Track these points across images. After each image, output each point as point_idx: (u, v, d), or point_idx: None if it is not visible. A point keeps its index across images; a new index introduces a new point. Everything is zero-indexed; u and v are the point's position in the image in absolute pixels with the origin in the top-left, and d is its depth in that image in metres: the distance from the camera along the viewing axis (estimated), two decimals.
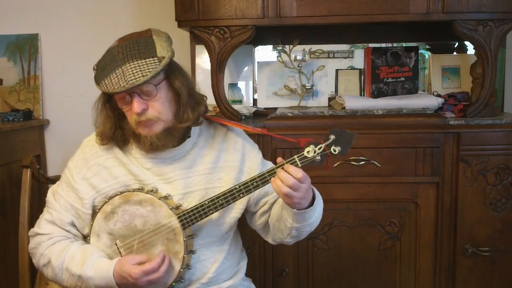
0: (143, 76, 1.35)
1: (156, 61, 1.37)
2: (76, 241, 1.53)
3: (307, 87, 2.39)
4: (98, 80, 1.40)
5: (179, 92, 1.45)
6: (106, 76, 1.38)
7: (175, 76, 1.45)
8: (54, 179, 1.89)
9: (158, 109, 1.42)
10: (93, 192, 1.52)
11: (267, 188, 1.54)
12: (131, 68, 1.36)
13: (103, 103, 1.49)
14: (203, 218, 1.45)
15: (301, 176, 1.35)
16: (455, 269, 2.12)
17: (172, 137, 1.47)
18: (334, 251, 2.16)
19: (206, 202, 1.43)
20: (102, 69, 1.40)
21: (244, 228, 1.70)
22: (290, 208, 1.42)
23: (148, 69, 1.36)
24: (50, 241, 1.51)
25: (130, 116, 1.43)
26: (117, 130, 1.50)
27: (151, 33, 1.45)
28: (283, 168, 1.37)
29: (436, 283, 2.14)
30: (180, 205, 1.49)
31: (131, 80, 1.35)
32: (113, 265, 1.42)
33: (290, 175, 1.34)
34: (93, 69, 1.45)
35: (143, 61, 1.37)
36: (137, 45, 1.40)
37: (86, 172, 1.53)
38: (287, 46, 2.40)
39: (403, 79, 2.39)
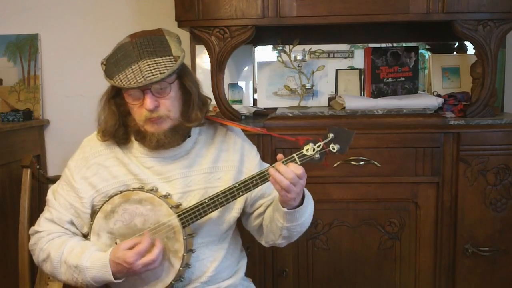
0: (160, 73, 1.36)
1: (172, 60, 1.39)
2: (75, 236, 1.53)
3: (307, 87, 2.39)
4: (111, 74, 1.40)
5: (191, 92, 1.47)
6: (121, 71, 1.38)
7: (186, 76, 1.48)
8: (54, 179, 1.89)
9: (168, 107, 1.43)
10: (92, 192, 1.52)
11: (264, 190, 1.55)
12: (148, 65, 1.37)
13: (108, 98, 1.50)
14: (202, 217, 1.45)
15: (301, 173, 1.36)
16: (455, 269, 2.12)
17: (178, 136, 1.48)
18: (334, 251, 2.16)
19: (206, 201, 1.43)
20: (115, 64, 1.41)
21: (243, 228, 1.70)
22: (282, 208, 1.43)
23: (165, 67, 1.37)
24: (49, 236, 1.51)
25: (140, 113, 1.44)
26: (120, 127, 1.50)
27: (163, 33, 1.47)
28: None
29: (436, 283, 2.14)
30: (180, 204, 1.49)
31: (149, 76, 1.36)
32: (108, 255, 1.42)
33: (291, 170, 1.35)
34: (102, 63, 1.45)
35: (160, 59, 1.39)
36: (152, 42, 1.42)
37: (86, 172, 1.53)
38: (287, 46, 2.40)
39: (403, 79, 2.39)
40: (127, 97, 1.44)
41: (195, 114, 1.48)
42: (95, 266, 1.42)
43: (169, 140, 1.46)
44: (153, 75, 1.36)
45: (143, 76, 1.36)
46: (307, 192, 1.48)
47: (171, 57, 1.40)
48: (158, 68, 1.37)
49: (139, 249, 1.39)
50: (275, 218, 1.48)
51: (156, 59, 1.39)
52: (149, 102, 1.40)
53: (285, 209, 1.42)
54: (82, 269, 1.43)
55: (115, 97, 1.49)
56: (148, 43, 1.42)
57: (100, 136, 1.53)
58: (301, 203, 1.44)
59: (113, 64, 1.41)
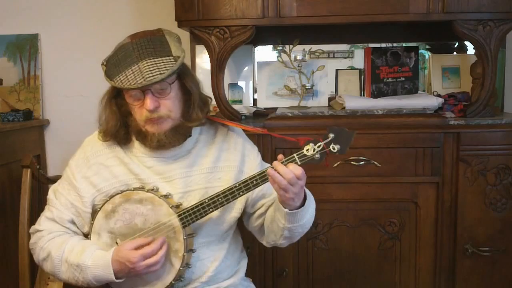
0: (160, 74, 1.36)
1: (172, 60, 1.39)
2: (75, 235, 1.53)
3: (307, 87, 2.39)
4: (111, 75, 1.41)
5: (191, 92, 1.48)
6: (121, 72, 1.39)
7: (187, 76, 1.48)
8: (54, 179, 1.89)
9: (169, 107, 1.44)
10: (93, 191, 1.53)
11: (265, 190, 1.55)
12: (148, 65, 1.37)
13: (109, 99, 1.50)
14: (203, 217, 1.45)
15: (300, 173, 1.35)
16: (455, 269, 2.12)
17: (179, 136, 1.49)
18: (334, 251, 2.16)
19: (206, 201, 1.44)
20: (116, 65, 1.41)
21: (244, 228, 1.70)
22: (283, 209, 1.43)
23: (165, 67, 1.37)
24: (50, 235, 1.51)
25: (140, 113, 1.44)
26: (121, 128, 1.51)
27: (164, 33, 1.47)
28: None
29: (436, 283, 2.14)
30: (180, 204, 1.49)
31: (149, 77, 1.36)
32: (111, 253, 1.43)
33: (290, 170, 1.35)
34: (102, 64, 1.45)
35: (160, 59, 1.39)
36: (152, 43, 1.42)
37: (86, 171, 1.54)
38: (287, 46, 2.40)
39: (403, 79, 2.39)
40: (127, 98, 1.45)
41: (196, 114, 1.48)
42: (97, 264, 1.43)
43: (170, 140, 1.47)
44: (153, 76, 1.36)
45: (143, 77, 1.36)
46: (308, 193, 1.48)
47: (171, 57, 1.40)
48: (158, 68, 1.37)
49: (145, 252, 1.40)
50: (276, 218, 1.48)
51: (156, 59, 1.39)
52: (149, 102, 1.41)
53: (286, 210, 1.42)
54: (84, 268, 1.43)
55: (116, 97, 1.50)
56: (148, 43, 1.42)
57: (102, 136, 1.53)
58: (303, 204, 1.44)
59: (113, 65, 1.41)
